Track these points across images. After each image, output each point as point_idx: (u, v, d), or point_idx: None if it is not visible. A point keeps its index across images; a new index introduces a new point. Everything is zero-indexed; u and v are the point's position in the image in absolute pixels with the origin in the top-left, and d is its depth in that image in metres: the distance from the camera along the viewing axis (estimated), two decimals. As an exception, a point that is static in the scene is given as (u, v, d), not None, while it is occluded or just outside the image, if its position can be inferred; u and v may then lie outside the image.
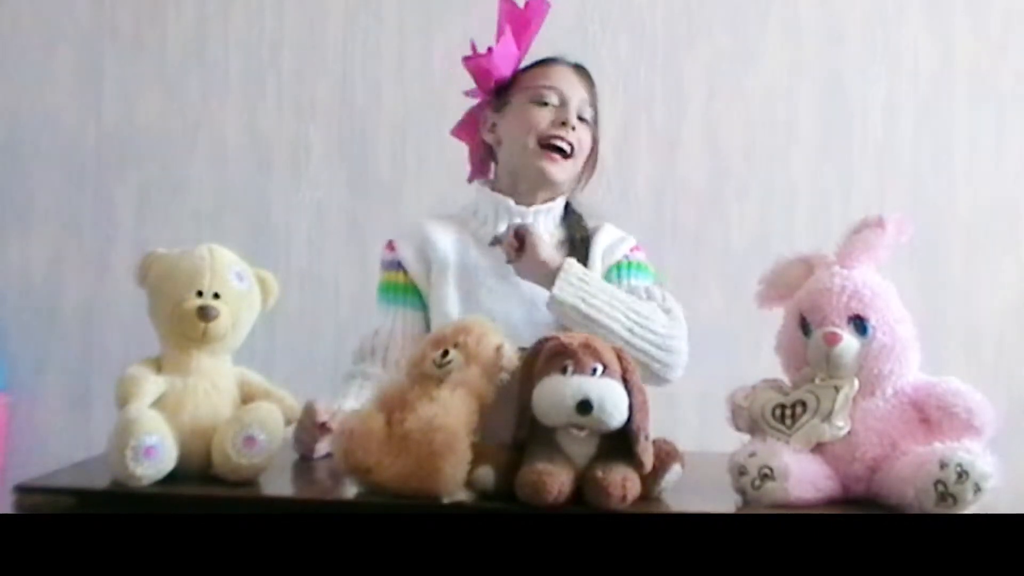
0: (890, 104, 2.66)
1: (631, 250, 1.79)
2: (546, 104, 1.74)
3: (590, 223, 1.81)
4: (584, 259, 1.74)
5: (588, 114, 1.77)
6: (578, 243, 1.77)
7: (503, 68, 1.77)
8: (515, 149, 1.76)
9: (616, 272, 1.76)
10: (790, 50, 2.66)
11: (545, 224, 1.77)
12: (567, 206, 1.83)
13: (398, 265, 1.77)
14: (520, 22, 1.77)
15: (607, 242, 1.79)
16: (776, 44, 2.66)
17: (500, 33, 1.75)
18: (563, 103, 1.75)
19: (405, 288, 1.76)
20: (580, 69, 1.80)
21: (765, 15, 2.67)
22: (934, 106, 2.65)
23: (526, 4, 1.78)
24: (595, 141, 1.80)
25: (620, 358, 1.27)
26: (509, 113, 1.78)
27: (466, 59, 1.78)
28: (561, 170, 1.75)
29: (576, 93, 1.76)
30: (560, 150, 1.74)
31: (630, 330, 1.58)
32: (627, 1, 2.66)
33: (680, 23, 2.67)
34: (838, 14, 2.67)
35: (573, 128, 1.73)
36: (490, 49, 1.75)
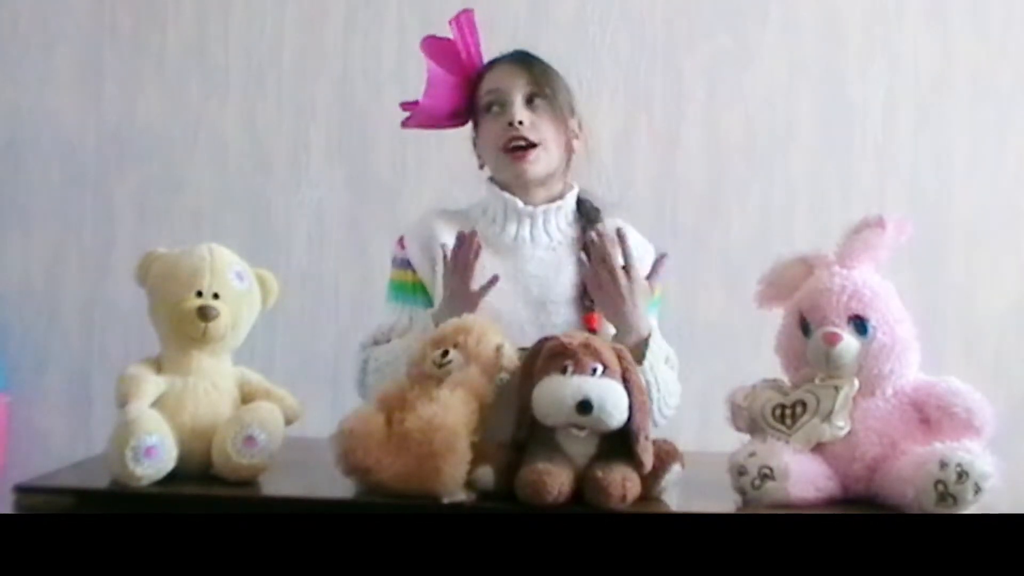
0: (890, 104, 2.66)
1: (650, 267, 1.76)
2: (496, 108, 1.73)
3: (609, 222, 1.77)
4: None
5: (539, 93, 1.72)
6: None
7: (444, 109, 1.77)
8: (490, 163, 1.77)
9: None
10: (790, 50, 2.66)
11: (556, 223, 1.76)
12: (580, 202, 1.79)
13: (407, 264, 1.76)
14: (449, 51, 1.76)
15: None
16: (776, 44, 2.66)
17: (427, 79, 1.74)
18: (504, 103, 1.72)
19: (414, 287, 1.75)
20: (519, 58, 1.76)
21: (765, 15, 2.66)
22: (934, 106, 2.65)
23: (455, 21, 1.77)
24: (567, 126, 1.75)
25: (620, 358, 1.27)
26: (479, 130, 1.79)
27: (404, 124, 1.80)
28: (534, 164, 1.72)
29: (516, 84, 1.72)
30: (521, 148, 1.71)
31: (659, 408, 1.61)
32: (627, 1, 2.66)
33: (680, 23, 2.66)
34: (838, 14, 2.66)
35: (520, 123, 1.70)
36: (415, 105, 1.75)
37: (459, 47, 1.78)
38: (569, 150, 1.77)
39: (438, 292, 1.71)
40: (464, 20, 1.79)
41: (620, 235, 1.68)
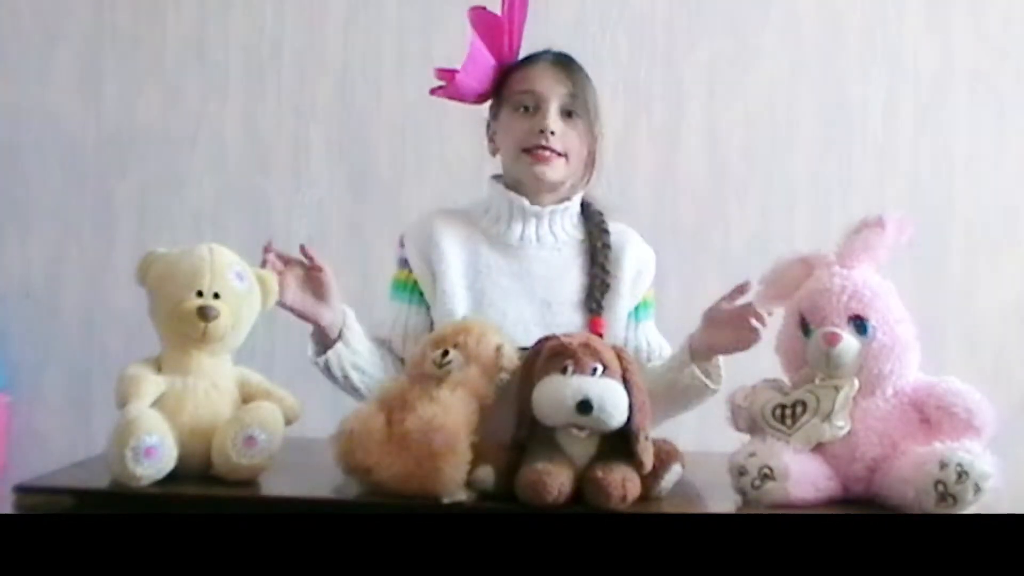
0: (890, 104, 2.66)
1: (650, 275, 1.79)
2: (527, 109, 1.70)
3: (613, 227, 1.78)
4: (608, 273, 1.72)
5: (576, 106, 1.70)
6: (600, 251, 1.74)
7: (474, 88, 1.73)
8: (507, 158, 1.75)
9: (635, 314, 1.76)
10: (790, 50, 2.66)
11: (562, 224, 1.75)
12: (584, 205, 1.79)
13: (405, 263, 1.76)
14: (494, 28, 1.71)
15: (636, 263, 1.76)
16: (776, 44, 2.66)
17: (469, 51, 1.69)
18: (540, 107, 1.69)
19: (407, 285, 1.75)
20: (561, 63, 1.73)
21: (765, 15, 2.66)
22: (934, 106, 2.65)
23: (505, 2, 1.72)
24: (592, 131, 1.73)
25: (620, 358, 1.27)
26: (500, 122, 1.76)
27: (433, 91, 1.74)
28: (553, 169, 1.70)
29: (556, 91, 1.70)
30: (544, 153, 1.69)
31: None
32: (627, 1, 2.66)
33: (680, 23, 2.66)
34: (838, 14, 2.67)
35: (552, 132, 1.68)
36: (452, 75, 1.71)
37: (505, 27, 1.72)
38: (590, 162, 1.75)
39: (438, 294, 1.71)
40: (518, 1, 1.73)
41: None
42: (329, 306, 1.61)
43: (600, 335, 1.64)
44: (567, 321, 1.68)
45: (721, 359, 1.59)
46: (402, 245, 1.78)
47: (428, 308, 1.74)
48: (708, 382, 1.57)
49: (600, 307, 1.70)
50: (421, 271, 1.74)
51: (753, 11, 2.66)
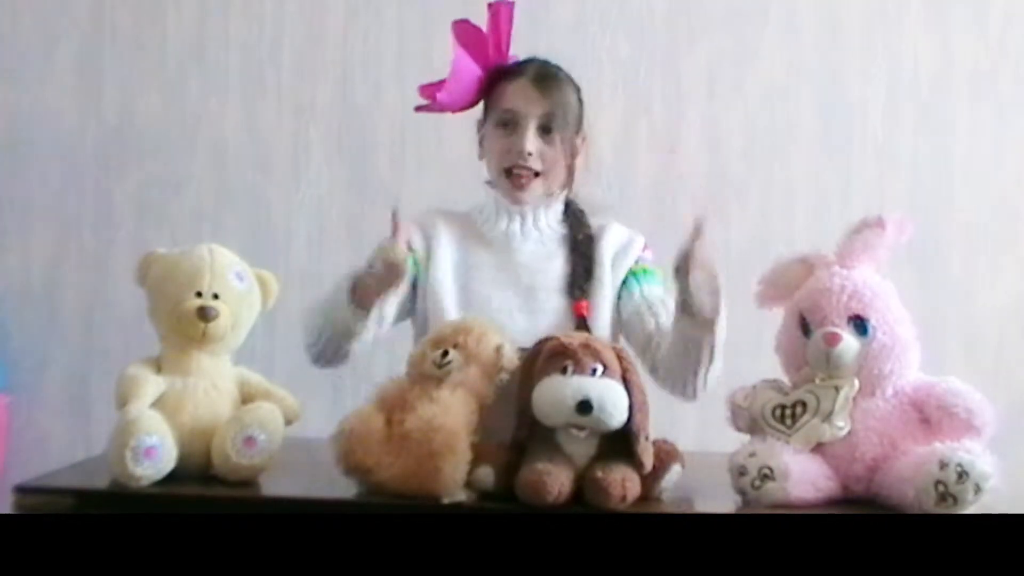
0: (890, 104, 2.65)
1: (643, 250, 1.79)
2: (507, 126, 1.74)
3: (594, 221, 1.81)
4: (589, 260, 1.75)
5: (555, 123, 1.72)
6: (581, 242, 1.77)
7: (459, 102, 1.75)
8: (490, 173, 1.79)
9: (635, 280, 1.76)
10: (790, 50, 2.66)
11: (546, 219, 1.78)
12: (567, 203, 1.81)
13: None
14: (479, 41, 1.73)
15: (616, 244, 1.79)
16: (776, 44, 2.66)
17: (451, 68, 1.71)
18: (518, 126, 1.72)
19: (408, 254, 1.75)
20: (540, 80, 1.74)
21: (765, 15, 2.66)
22: (934, 106, 2.65)
23: (491, 7, 1.73)
24: (573, 146, 1.75)
25: (620, 358, 1.27)
26: (485, 132, 1.79)
27: (417, 109, 1.77)
28: (529, 192, 1.75)
29: (534, 109, 1.72)
30: (522, 175, 1.73)
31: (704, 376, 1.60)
32: (627, 1, 2.66)
33: (680, 23, 2.66)
34: (838, 14, 2.66)
35: (530, 153, 1.71)
36: (435, 90, 1.72)
37: (489, 39, 1.74)
38: (571, 169, 1.77)
39: (430, 282, 1.73)
40: (503, 12, 1.74)
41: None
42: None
43: (584, 318, 1.68)
44: (552, 307, 1.71)
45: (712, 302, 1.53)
46: None
47: (419, 279, 1.74)
48: (699, 321, 1.51)
49: (583, 292, 1.73)
50: (421, 253, 1.76)
51: (753, 11, 2.66)
